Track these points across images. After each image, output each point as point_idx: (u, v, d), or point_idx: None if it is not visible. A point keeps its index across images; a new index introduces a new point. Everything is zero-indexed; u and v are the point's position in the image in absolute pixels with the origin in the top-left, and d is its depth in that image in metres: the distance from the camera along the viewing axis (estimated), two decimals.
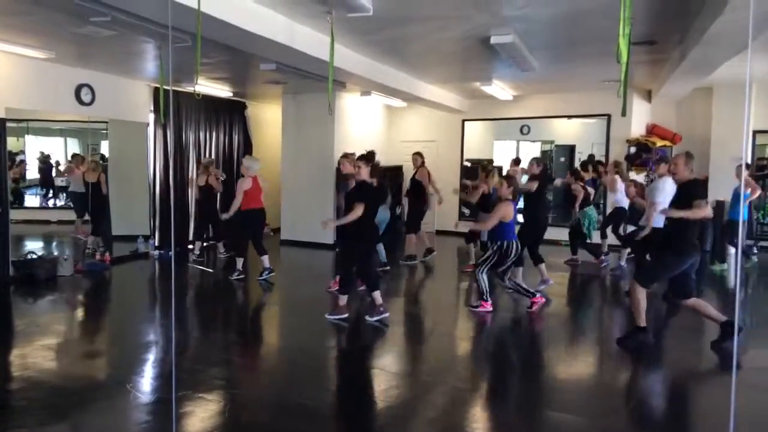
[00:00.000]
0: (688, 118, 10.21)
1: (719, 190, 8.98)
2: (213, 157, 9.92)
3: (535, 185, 6.92)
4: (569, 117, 11.13)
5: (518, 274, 6.63)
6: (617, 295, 7.11)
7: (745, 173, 7.87)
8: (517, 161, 10.97)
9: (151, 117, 8.84)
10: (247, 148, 10.89)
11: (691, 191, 4.65)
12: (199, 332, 5.65)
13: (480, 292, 5.95)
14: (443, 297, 7.21)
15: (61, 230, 9.73)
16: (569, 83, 9.22)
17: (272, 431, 3.46)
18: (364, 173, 5.62)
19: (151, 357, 4.76)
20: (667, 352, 5.09)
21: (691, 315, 5.03)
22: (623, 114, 3.17)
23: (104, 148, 10.33)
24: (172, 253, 8.36)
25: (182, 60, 6.35)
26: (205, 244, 9.26)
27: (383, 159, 11.26)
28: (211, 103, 9.74)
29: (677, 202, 4.73)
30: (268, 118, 11.61)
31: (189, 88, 8.75)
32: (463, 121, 11.59)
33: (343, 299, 5.64)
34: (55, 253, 8.55)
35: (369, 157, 6.12)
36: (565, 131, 12.64)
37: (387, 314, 5.63)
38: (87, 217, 9.31)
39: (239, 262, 7.45)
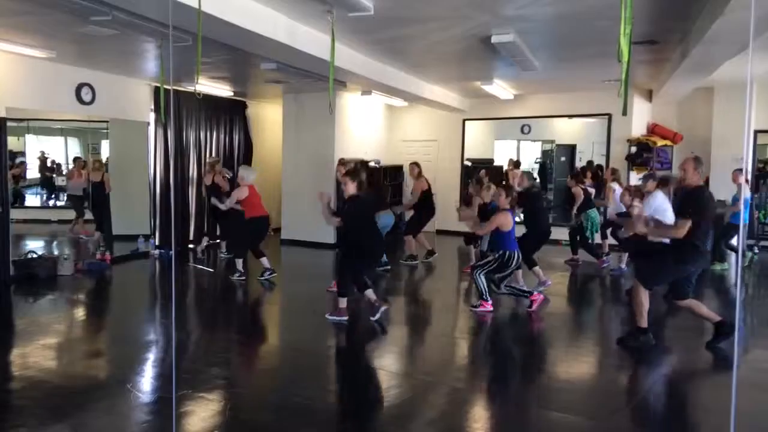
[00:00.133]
0: (689, 117, 10.20)
1: (720, 189, 8.96)
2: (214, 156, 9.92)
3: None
4: (570, 117, 11.13)
5: (518, 278, 6.61)
6: (617, 295, 7.10)
7: (743, 177, 7.87)
8: (516, 164, 10.96)
9: (152, 116, 8.83)
10: (248, 147, 10.88)
11: (690, 203, 4.54)
12: (200, 331, 5.65)
13: (479, 292, 5.95)
14: (443, 297, 7.21)
15: (62, 229, 9.76)
16: (570, 83, 9.21)
17: (272, 431, 3.46)
18: (351, 189, 5.59)
19: (152, 356, 4.77)
20: (667, 352, 5.08)
21: (692, 315, 5.03)
22: (624, 113, 3.16)
23: (105, 147, 10.35)
24: (172, 252, 8.35)
25: (183, 59, 6.34)
26: (211, 241, 9.24)
27: (384, 159, 11.31)
28: (211, 102, 9.72)
29: (680, 210, 4.66)
30: (268, 117, 11.59)
31: (189, 88, 8.73)
32: (464, 120, 11.57)
33: (343, 302, 5.63)
34: (56, 253, 8.57)
35: (354, 172, 5.91)
36: (566, 131, 12.62)
37: (385, 307, 5.64)
38: (88, 216, 9.34)
39: (239, 263, 7.45)
